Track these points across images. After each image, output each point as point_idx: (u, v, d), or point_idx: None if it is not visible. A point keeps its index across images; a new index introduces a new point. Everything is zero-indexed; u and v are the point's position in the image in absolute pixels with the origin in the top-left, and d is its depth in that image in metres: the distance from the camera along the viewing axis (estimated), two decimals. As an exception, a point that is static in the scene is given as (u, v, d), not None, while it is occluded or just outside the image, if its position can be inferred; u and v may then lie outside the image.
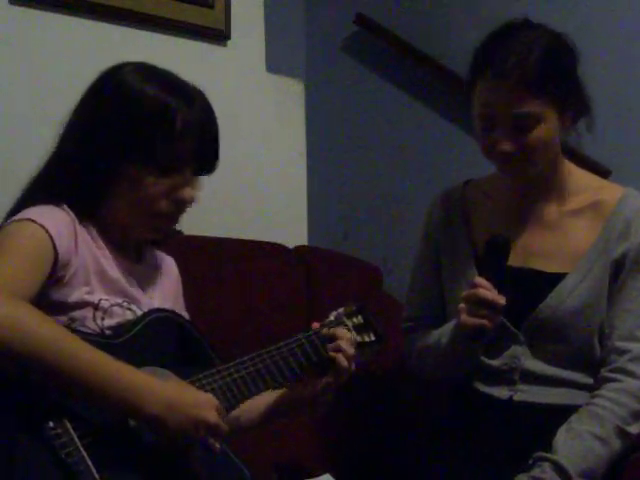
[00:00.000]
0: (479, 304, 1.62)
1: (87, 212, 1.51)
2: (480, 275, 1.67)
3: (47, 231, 1.41)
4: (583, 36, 2.35)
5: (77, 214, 1.49)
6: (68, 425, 1.32)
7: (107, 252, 1.52)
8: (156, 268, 1.65)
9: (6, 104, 2.25)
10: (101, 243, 1.52)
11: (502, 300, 1.62)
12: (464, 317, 1.64)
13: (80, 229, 1.49)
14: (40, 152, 2.24)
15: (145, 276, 1.60)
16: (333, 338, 1.61)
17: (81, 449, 1.31)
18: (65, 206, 1.48)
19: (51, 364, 1.29)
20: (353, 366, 1.61)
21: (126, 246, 1.58)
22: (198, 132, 1.51)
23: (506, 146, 1.66)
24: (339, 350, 1.60)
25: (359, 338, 1.67)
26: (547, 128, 1.66)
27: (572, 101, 1.70)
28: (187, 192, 1.53)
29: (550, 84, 1.64)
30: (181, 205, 1.54)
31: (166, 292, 1.65)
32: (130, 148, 1.48)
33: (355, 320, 1.70)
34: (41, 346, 1.28)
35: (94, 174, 1.49)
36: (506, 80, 1.62)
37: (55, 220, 1.44)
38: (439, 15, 2.67)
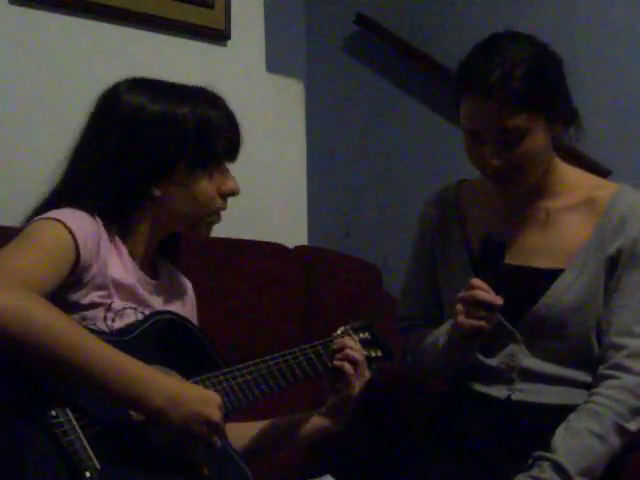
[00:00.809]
0: (476, 305, 1.62)
1: (115, 221, 1.53)
2: (476, 275, 1.67)
3: (72, 232, 1.42)
4: (582, 37, 2.37)
5: (104, 221, 1.50)
6: (70, 414, 1.33)
7: (127, 260, 1.53)
8: (172, 287, 1.66)
9: (6, 104, 2.25)
10: (123, 251, 1.53)
11: (499, 301, 1.61)
12: (461, 319, 1.63)
13: (104, 234, 1.50)
14: (40, 151, 2.26)
15: (159, 292, 1.61)
16: (340, 348, 1.63)
17: (82, 438, 1.32)
18: (92, 212, 1.49)
19: (56, 354, 1.30)
20: (367, 374, 1.62)
21: (144, 260, 1.59)
22: (226, 125, 1.58)
23: (495, 161, 1.64)
24: (346, 359, 1.61)
25: (366, 352, 1.67)
26: (535, 141, 1.64)
27: (560, 111, 1.68)
28: (232, 184, 1.60)
29: (536, 97, 1.62)
30: (229, 197, 1.60)
31: (179, 311, 1.64)
32: (173, 162, 1.53)
33: (362, 335, 1.71)
34: (47, 336, 1.29)
35: (132, 193, 1.52)
36: (491, 96, 1.60)
37: (81, 223, 1.45)
38: (439, 15, 2.68)
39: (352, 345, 1.63)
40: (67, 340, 1.31)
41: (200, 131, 1.53)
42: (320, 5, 2.94)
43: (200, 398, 1.39)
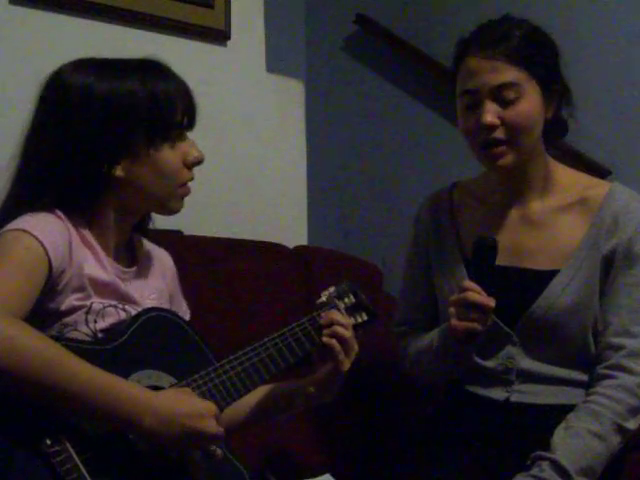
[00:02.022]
0: (469, 308, 1.62)
1: (82, 216, 1.50)
2: (469, 278, 1.67)
3: (41, 243, 1.39)
4: (583, 37, 2.37)
5: (71, 219, 1.47)
6: (66, 442, 1.30)
7: (102, 256, 1.50)
8: (150, 268, 1.63)
9: (6, 104, 2.25)
10: (96, 247, 1.50)
11: (492, 302, 1.62)
12: (454, 321, 1.64)
13: (74, 234, 1.47)
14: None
15: (140, 278, 1.59)
16: (328, 324, 1.60)
17: (80, 466, 1.30)
18: (58, 211, 1.46)
19: (45, 382, 1.27)
20: (356, 348, 1.59)
21: (119, 250, 1.56)
22: (179, 94, 1.53)
23: (489, 117, 1.66)
24: (334, 335, 1.58)
25: (352, 320, 1.66)
26: (529, 104, 1.67)
27: (553, 90, 1.71)
28: (196, 152, 1.55)
29: (533, 58, 1.68)
30: (195, 167, 1.55)
31: (163, 291, 1.64)
32: (133, 140, 1.49)
33: (347, 300, 1.69)
34: (35, 366, 1.27)
35: (92, 179, 1.48)
36: (492, 48, 1.67)
37: (50, 230, 1.42)
38: (439, 15, 2.68)
39: (339, 320, 1.59)
40: (54, 367, 1.28)
41: (152, 103, 1.49)
42: (320, 5, 2.94)
43: (194, 413, 1.37)
